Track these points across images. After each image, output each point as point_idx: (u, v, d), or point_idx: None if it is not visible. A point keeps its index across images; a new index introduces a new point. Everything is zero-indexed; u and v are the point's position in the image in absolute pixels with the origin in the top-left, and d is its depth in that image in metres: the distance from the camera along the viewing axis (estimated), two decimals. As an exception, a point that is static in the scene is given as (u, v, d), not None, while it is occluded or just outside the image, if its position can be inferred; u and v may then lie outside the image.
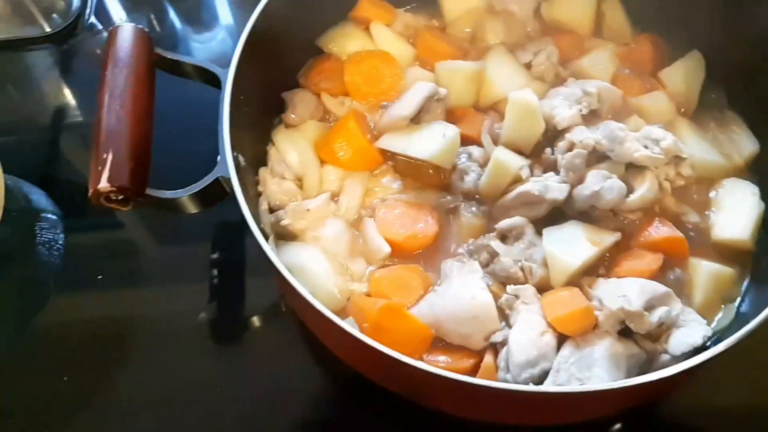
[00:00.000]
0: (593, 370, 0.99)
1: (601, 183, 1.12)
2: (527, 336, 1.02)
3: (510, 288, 1.08)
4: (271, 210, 1.21)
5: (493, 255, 1.12)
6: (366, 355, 0.93)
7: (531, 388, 0.92)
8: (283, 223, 1.17)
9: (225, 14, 1.75)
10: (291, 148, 1.26)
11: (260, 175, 1.23)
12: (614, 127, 1.15)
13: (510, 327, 1.05)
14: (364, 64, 1.32)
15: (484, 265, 1.13)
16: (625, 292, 1.02)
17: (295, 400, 1.22)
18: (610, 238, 1.13)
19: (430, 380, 0.88)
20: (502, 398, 0.91)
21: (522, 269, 1.10)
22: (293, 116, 1.31)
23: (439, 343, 1.08)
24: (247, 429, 1.20)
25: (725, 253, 1.17)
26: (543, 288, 1.10)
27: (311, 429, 1.20)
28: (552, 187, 1.13)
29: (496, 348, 1.06)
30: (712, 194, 1.22)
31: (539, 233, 1.14)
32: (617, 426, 1.19)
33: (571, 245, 1.10)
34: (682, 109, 1.31)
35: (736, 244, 1.16)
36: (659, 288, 1.04)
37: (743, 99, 1.30)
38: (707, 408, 1.20)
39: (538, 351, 1.01)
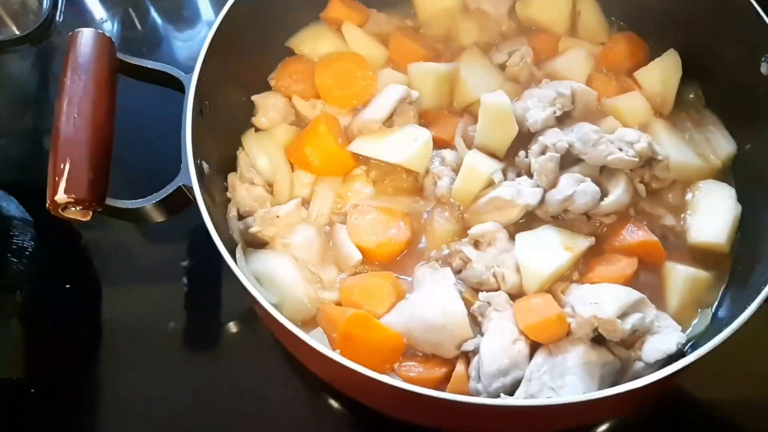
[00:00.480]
0: (566, 378, 0.97)
1: (574, 187, 1.10)
2: (499, 344, 1.00)
3: (482, 295, 1.06)
4: (241, 216, 1.18)
5: (466, 261, 1.10)
6: (331, 368, 0.91)
7: (493, 401, 0.90)
8: (252, 230, 1.14)
9: (207, 11, 1.73)
10: (261, 153, 1.23)
11: (229, 181, 1.20)
12: (588, 129, 1.13)
13: (482, 335, 1.03)
14: (335, 66, 1.29)
15: (457, 272, 1.11)
16: (598, 298, 1.00)
17: (271, 407, 1.20)
18: (584, 242, 1.11)
19: (393, 394, 0.86)
20: (469, 411, 0.88)
21: (494, 275, 1.08)
22: (264, 120, 1.28)
23: (412, 352, 1.06)
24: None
25: (702, 256, 1.15)
26: (516, 294, 1.08)
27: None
28: (525, 191, 1.11)
29: (468, 356, 1.04)
30: (688, 197, 1.20)
31: (513, 238, 1.11)
32: (603, 428, 1.18)
33: (544, 251, 1.08)
34: (659, 110, 1.29)
35: (713, 248, 1.15)
36: (633, 294, 1.02)
37: (720, 99, 1.28)
38: (691, 406, 1.20)
39: (509, 359, 0.99)
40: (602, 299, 1.00)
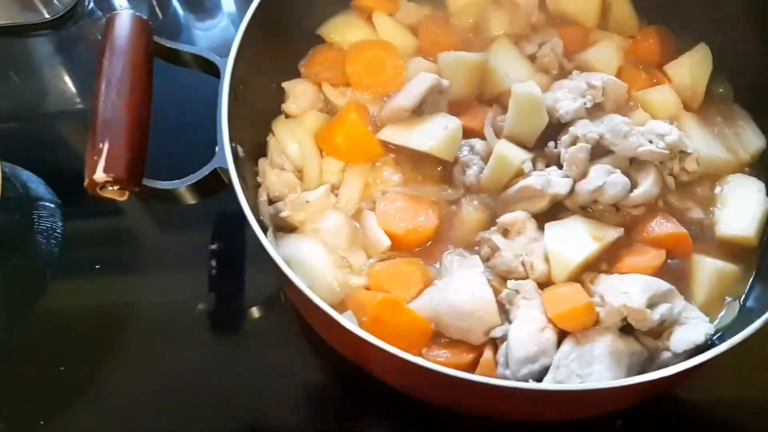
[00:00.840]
0: (593, 367, 0.98)
1: (604, 178, 1.10)
2: (527, 331, 1.01)
3: (510, 283, 1.06)
4: (271, 201, 1.19)
5: (495, 249, 1.11)
6: (363, 349, 0.92)
7: (523, 384, 0.90)
8: (282, 214, 1.15)
9: (228, 1, 1.73)
10: (291, 139, 1.24)
11: (260, 167, 1.21)
12: (618, 120, 1.13)
13: (510, 322, 1.03)
14: (365, 54, 1.30)
15: (485, 260, 1.12)
16: (627, 288, 1.00)
17: (294, 391, 1.21)
18: (612, 233, 1.11)
19: (425, 375, 0.87)
20: (498, 395, 0.89)
21: (523, 264, 1.08)
22: (294, 106, 1.29)
23: (439, 337, 1.07)
24: (244, 420, 1.19)
25: (730, 249, 1.15)
26: (544, 283, 1.08)
27: (310, 421, 1.19)
28: (554, 181, 1.12)
29: (495, 343, 1.05)
30: (717, 190, 1.20)
31: (541, 228, 1.12)
32: (619, 422, 1.18)
33: (573, 240, 1.09)
34: (689, 103, 1.28)
35: (741, 241, 1.15)
36: (662, 285, 1.02)
37: (750, 93, 1.27)
38: (709, 402, 1.20)
39: (538, 347, 0.99)
40: (631, 289, 1.00)
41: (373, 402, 1.20)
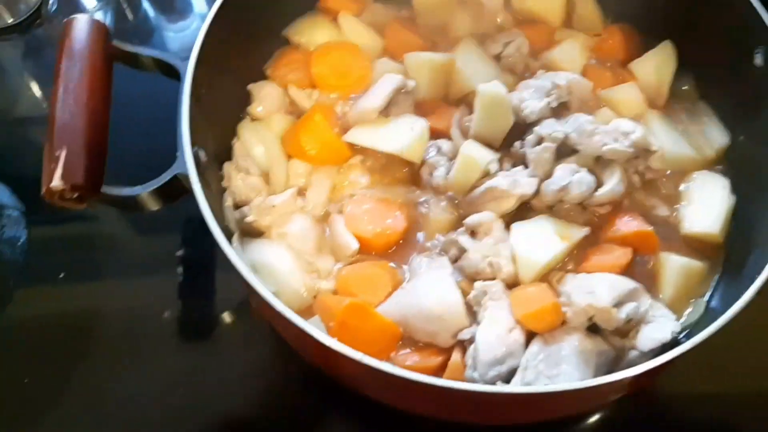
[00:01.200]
0: (561, 367, 0.98)
1: (569, 177, 1.10)
2: (495, 333, 1.01)
3: (478, 284, 1.06)
4: (237, 206, 1.17)
5: (462, 251, 1.10)
6: (329, 356, 0.91)
7: (489, 388, 0.90)
8: (248, 219, 1.14)
9: (199, 3, 1.71)
10: (257, 142, 1.23)
11: (225, 171, 1.19)
12: (583, 120, 1.14)
13: (478, 324, 1.03)
14: (331, 55, 1.29)
15: (453, 261, 1.11)
16: (594, 288, 1.00)
17: (265, 397, 1.20)
18: (579, 233, 1.11)
19: (390, 381, 0.86)
20: (464, 399, 0.89)
21: (491, 265, 1.08)
22: (260, 109, 1.27)
23: (409, 341, 1.06)
24: (215, 427, 1.17)
25: (695, 247, 1.16)
26: (512, 284, 1.08)
27: (282, 427, 1.19)
28: (521, 181, 1.11)
29: (464, 345, 1.04)
30: (682, 187, 1.20)
31: (509, 228, 1.12)
32: (594, 418, 1.18)
33: (540, 241, 1.08)
34: (654, 101, 1.29)
35: (706, 238, 1.15)
36: (628, 284, 1.03)
37: (714, 91, 1.28)
38: (683, 396, 1.20)
39: (506, 348, 0.99)
40: (598, 288, 1.00)
41: (345, 407, 1.20)
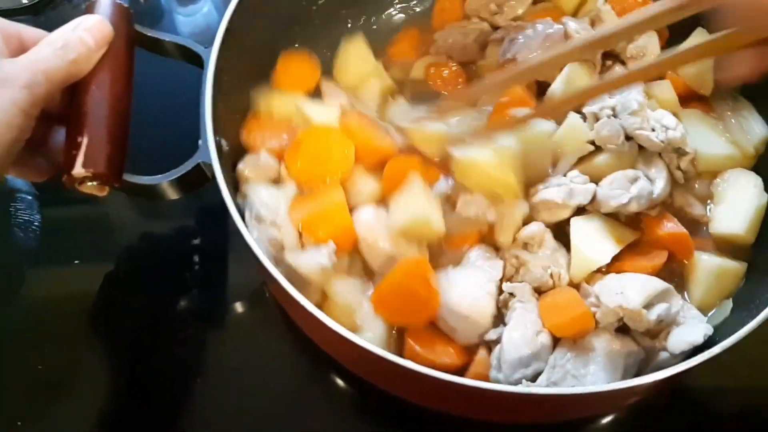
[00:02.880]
0: (589, 368, 0.97)
1: (629, 188, 1.08)
2: (521, 335, 1.00)
3: (506, 286, 1.05)
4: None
5: (521, 264, 1.08)
6: (348, 349, 0.90)
7: (515, 388, 0.90)
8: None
9: (211, -14, 1.69)
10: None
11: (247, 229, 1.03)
12: (634, 95, 1.13)
13: (505, 325, 1.02)
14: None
15: (508, 279, 1.09)
16: (624, 289, 0.99)
17: (279, 387, 1.19)
18: (630, 236, 1.10)
19: (412, 377, 0.86)
20: (489, 398, 0.89)
21: (552, 276, 1.07)
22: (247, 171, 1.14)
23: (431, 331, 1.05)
24: (227, 417, 1.16)
25: (724, 247, 1.14)
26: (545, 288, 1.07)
27: (295, 418, 1.17)
28: (576, 191, 1.10)
29: (489, 346, 1.04)
30: (715, 184, 1.18)
31: (556, 238, 1.10)
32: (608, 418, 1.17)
33: (600, 241, 1.07)
34: (698, 90, 1.26)
35: (733, 239, 1.14)
36: (659, 285, 1.01)
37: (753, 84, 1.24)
38: (703, 393, 1.18)
39: (531, 351, 0.98)
40: (628, 289, 0.99)
41: (362, 399, 1.19)
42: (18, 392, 1.19)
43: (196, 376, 1.19)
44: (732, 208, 1.14)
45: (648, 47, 1.26)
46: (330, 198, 1.07)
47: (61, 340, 1.23)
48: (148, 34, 1.10)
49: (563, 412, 1.01)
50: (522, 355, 0.97)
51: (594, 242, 1.07)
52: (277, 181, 1.14)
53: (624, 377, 0.97)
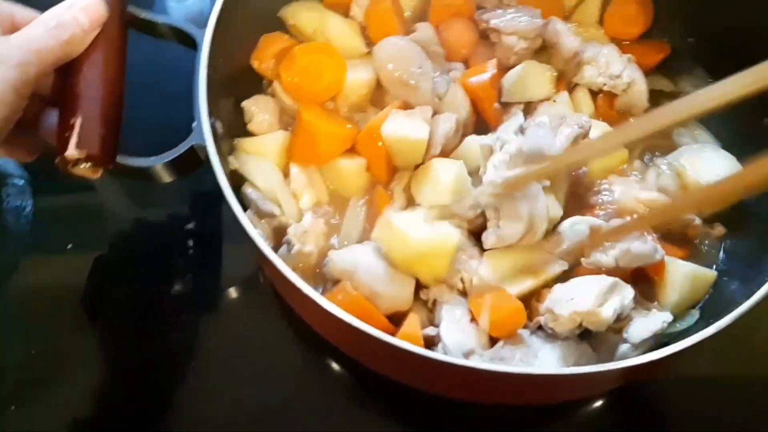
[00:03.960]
0: (538, 359, 1.00)
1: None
2: (458, 328, 1.02)
3: (430, 292, 1.07)
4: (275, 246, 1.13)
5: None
6: (345, 331, 0.91)
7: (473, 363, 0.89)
8: (297, 251, 1.08)
9: (201, -30, 1.68)
10: (260, 177, 1.17)
11: (248, 219, 1.01)
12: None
13: (438, 325, 1.04)
14: (301, 60, 1.22)
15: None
16: (573, 294, 0.99)
17: (273, 373, 1.20)
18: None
19: (409, 359, 0.87)
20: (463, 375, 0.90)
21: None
22: (254, 125, 1.23)
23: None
24: (221, 404, 1.17)
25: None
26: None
27: (289, 404, 1.18)
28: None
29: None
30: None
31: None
32: (599, 403, 1.18)
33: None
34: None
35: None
36: (605, 280, 1.01)
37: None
38: (690, 381, 1.19)
39: (471, 341, 1.00)
40: (577, 294, 0.99)
41: (358, 385, 1.20)
42: (10, 377, 1.19)
43: (190, 361, 1.20)
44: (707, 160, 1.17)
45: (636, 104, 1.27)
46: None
47: (53, 325, 1.24)
48: (142, 16, 1.10)
49: (509, 393, 1.03)
50: (464, 347, 0.99)
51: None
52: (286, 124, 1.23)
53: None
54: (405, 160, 1.16)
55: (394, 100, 1.20)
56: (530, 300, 1.06)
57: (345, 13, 1.32)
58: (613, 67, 1.23)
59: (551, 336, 1.01)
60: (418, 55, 1.19)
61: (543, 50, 1.29)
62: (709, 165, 1.17)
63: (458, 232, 1.05)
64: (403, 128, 1.13)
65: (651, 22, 1.35)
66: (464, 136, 1.20)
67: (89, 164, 0.95)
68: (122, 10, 1.05)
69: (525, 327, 1.03)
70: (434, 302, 1.07)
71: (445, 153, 1.16)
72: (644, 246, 1.03)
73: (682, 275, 1.08)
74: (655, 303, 1.08)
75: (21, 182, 1.36)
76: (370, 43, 1.28)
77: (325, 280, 1.09)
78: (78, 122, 0.93)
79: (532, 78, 1.24)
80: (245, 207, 1.12)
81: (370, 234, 1.09)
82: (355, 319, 0.87)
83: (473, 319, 1.03)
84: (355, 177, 1.19)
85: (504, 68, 1.26)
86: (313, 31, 1.27)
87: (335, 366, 1.19)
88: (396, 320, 1.04)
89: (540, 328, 1.03)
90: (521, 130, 1.06)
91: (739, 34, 1.20)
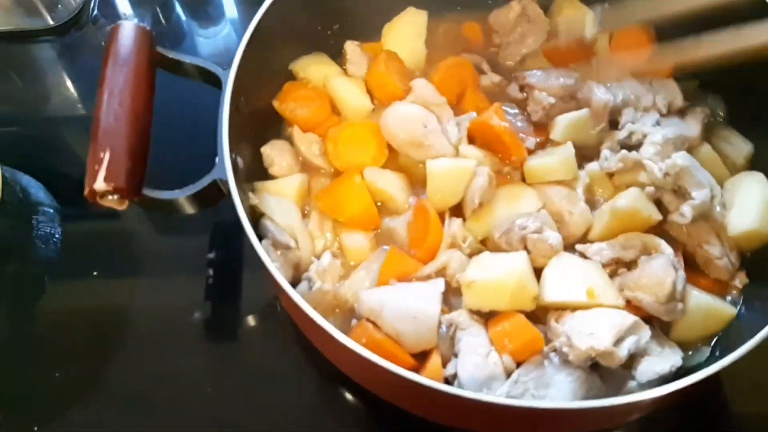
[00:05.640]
0: (549, 390, 1.00)
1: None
2: (473, 362, 1.03)
3: (444, 318, 1.08)
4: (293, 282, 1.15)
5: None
6: (362, 365, 0.92)
7: (468, 394, 0.90)
8: (316, 287, 1.12)
9: (231, 9, 1.76)
10: (279, 212, 1.19)
11: (264, 248, 1.05)
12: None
13: (456, 356, 1.06)
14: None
15: None
16: (593, 328, 1.01)
17: (289, 401, 1.22)
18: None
19: (422, 392, 0.88)
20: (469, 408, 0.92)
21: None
22: (275, 168, 1.27)
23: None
24: (236, 428, 1.20)
25: (747, 247, 1.16)
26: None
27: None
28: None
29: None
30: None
31: None
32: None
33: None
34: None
35: (752, 236, 1.13)
36: (627, 318, 1.03)
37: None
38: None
39: (485, 373, 1.01)
40: (597, 329, 1.01)
41: (371, 414, 1.21)
42: (35, 400, 1.22)
43: (207, 387, 1.22)
44: (743, 207, 1.14)
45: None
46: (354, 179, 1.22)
47: (78, 349, 1.28)
48: (169, 56, 1.15)
49: (517, 425, 1.03)
50: (477, 380, 1.00)
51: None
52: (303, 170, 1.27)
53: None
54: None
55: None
56: (551, 320, 1.07)
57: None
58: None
59: (566, 363, 1.02)
60: (421, 114, 1.22)
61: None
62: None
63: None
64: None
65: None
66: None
67: (116, 196, 0.99)
68: (151, 50, 1.11)
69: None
70: (455, 331, 1.08)
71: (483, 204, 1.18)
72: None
73: (697, 306, 1.08)
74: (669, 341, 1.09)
75: (51, 211, 1.41)
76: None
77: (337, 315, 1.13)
78: (107, 156, 0.98)
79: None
80: (262, 237, 1.15)
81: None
82: (380, 359, 0.89)
83: (490, 352, 1.04)
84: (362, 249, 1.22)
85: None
86: (324, 86, 1.33)
87: (349, 395, 1.21)
88: (421, 357, 1.07)
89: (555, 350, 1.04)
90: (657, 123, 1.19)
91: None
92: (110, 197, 0.99)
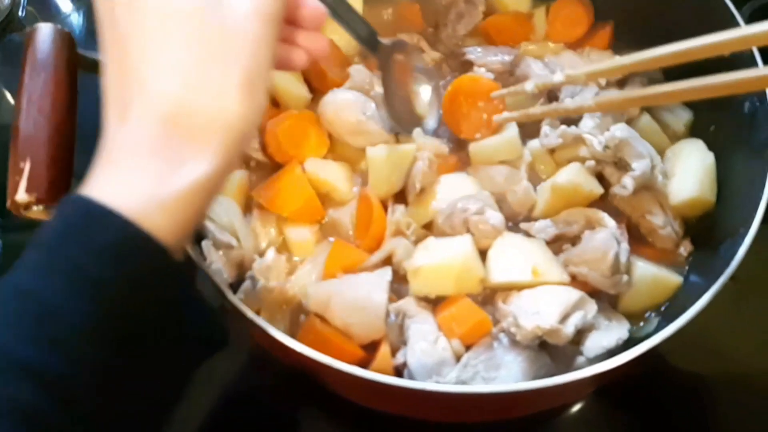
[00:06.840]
0: (500, 371, 1.00)
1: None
2: (420, 348, 1.03)
3: (392, 307, 1.07)
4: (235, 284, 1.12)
5: None
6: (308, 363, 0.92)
7: (411, 383, 0.89)
8: (262, 286, 1.10)
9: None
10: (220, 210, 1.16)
11: (204, 251, 1.08)
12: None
13: (405, 344, 1.05)
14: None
15: None
16: (539, 307, 1.01)
17: (246, 407, 1.22)
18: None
19: (372, 387, 0.89)
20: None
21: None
22: None
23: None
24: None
25: (690, 213, 1.16)
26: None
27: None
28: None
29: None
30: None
31: None
32: (577, 407, 1.20)
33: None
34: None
35: (694, 203, 1.14)
36: (573, 295, 1.03)
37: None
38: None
39: (434, 359, 1.01)
40: (542, 307, 1.01)
41: (330, 413, 1.21)
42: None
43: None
44: (684, 175, 1.15)
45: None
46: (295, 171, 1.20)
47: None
48: (91, 57, 1.10)
49: (469, 411, 1.04)
50: (426, 365, 1.00)
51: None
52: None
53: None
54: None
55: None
56: (498, 301, 1.07)
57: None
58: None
59: (515, 343, 1.03)
60: (359, 101, 1.21)
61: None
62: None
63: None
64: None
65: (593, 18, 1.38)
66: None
67: (41, 207, 0.96)
68: (70, 52, 1.06)
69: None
70: (403, 319, 1.08)
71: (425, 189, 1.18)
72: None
73: (642, 277, 1.09)
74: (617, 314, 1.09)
75: (-10, 223, 1.36)
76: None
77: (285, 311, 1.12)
78: (27, 166, 0.94)
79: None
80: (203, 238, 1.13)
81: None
82: (322, 355, 0.88)
83: (438, 338, 1.04)
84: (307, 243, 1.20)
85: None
86: None
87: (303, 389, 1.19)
88: (371, 348, 1.07)
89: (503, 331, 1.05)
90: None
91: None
92: (35, 208, 0.95)
